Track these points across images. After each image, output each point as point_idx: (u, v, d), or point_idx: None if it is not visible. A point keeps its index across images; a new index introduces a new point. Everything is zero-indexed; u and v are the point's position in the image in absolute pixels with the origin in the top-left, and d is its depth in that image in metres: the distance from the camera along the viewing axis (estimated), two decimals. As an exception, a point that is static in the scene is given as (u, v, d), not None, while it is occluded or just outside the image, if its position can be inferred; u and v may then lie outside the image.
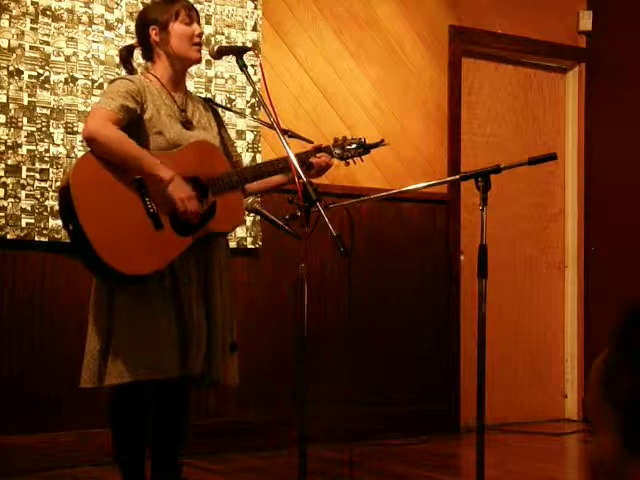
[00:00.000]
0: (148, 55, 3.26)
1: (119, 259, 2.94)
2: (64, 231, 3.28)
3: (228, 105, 4.62)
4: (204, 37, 4.58)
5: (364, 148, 3.39)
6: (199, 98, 3.42)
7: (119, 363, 2.98)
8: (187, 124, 3.19)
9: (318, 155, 3.30)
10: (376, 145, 3.41)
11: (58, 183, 4.22)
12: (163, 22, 3.18)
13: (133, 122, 3.06)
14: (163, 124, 3.11)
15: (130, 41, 4.34)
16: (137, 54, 3.38)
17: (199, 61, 3.29)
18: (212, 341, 3.11)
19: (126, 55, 3.31)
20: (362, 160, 3.42)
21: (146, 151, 3.02)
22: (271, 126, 3.08)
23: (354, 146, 3.38)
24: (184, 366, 3.04)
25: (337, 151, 3.35)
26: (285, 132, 3.26)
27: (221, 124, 3.41)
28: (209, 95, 4.56)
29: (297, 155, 3.08)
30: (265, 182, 3.36)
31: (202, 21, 4.61)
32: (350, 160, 3.40)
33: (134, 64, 3.35)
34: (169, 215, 3.04)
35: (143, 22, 3.25)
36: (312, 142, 3.37)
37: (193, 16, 3.22)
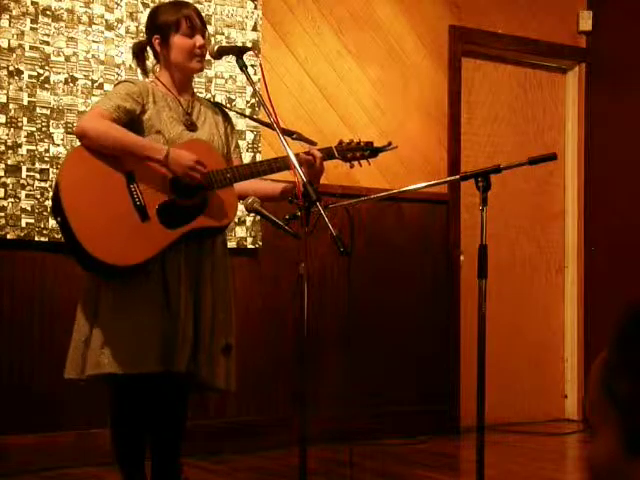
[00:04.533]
0: (155, 57, 3.31)
1: (102, 249, 2.95)
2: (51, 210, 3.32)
3: (228, 105, 4.62)
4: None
5: (371, 151, 3.31)
6: (208, 102, 3.42)
7: (97, 354, 3.01)
8: (191, 127, 3.20)
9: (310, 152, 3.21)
10: (384, 149, 3.32)
11: (58, 183, 4.23)
12: (164, 33, 3.19)
13: (132, 122, 3.08)
14: (163, 124, 3.13)
15: (130, 41, 4.35)
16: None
17: (200, 71, 3.32)
18: (199, 340, 3.10)
19: (138, 51, 3.34)
20: (369, 163, 3.34)
21: (137, 136, 3.05)
22: (272, 127, 3.07)
23: (361, 149, 3.31)
24: (168, 363, 3.03)
25: (341, 153, 3.29)
26: (291, 134, 3.26)
27: (231, 128, 3.40)
28: (209, 95, 4.56)
29: (296, 155, 3.07)
30: (264, 189, 3.34)
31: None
32: (355, 162, 3.34)
33: (146, 58, 3.36)
34: (157, 208, 3.05)
35: (149, 27, 3.28)
36: (316, 143, 3.34)
37: (196, 26, 3.20)
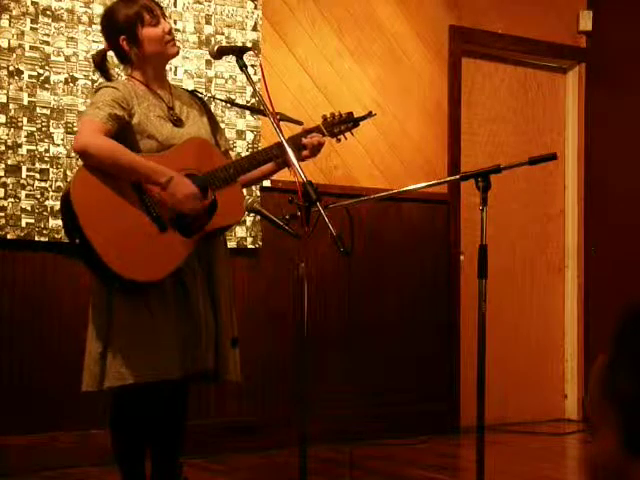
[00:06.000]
0: (123, 59, 3.21)
1: (130, 268, 2.92)
2: (64, 231, 3.27)
3: (228, 106, 4.62)
4: (204, 37, 4.61)
5: (353, 122, 3.40)
6: (183, 90, 3.39)
7: (118, 365, 2.97)
8: (177, 122, 3.17)
9: (309, 136, 3.29)
10: (364, 117, 3.42)
11: (58, 183, 4.23)
12: (130, 31, 3.12)
13: (122, 129, 3.03)
14: (153, 127, 3.08)
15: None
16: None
17: (177, 54, 3.26)
18: (219, 337, 3.11)
19: (100, 61, 3.25)
20: (352, 134, 3.42)
21: (140, 157, 3.01)
22: (263, 112, 3.09)
23: (343, 121, 3.38)
24: (191, 365, 3.03)
25: (328, 129, 3.35)
26: (275, 115, 3.25)
27: (209, 114, 3.38)
28: (209, 95, 4.56)
29: (289, 139, 3.09)
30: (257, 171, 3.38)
31: (202, 21, 4.62)
32: (341, 136, 3.40)
33: (109, 67, 3.29)
34: (173, 216, 3.03)
35: (110, 30, 3.19)
36: (302, 123, 3.38)
37: (157, 14, 3.16)
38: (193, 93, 3.40)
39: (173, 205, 3.00)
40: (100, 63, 3.25)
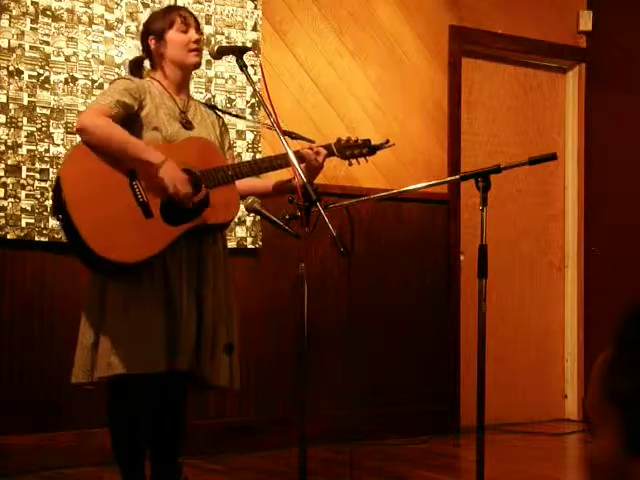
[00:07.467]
0: (152, 64, 3.30)
1: (107, 247, 2.95)
2: (52, 206, 3.30)
3: (228, 105, 4.62)
4: (204, 37, 4.61)
5: (369, 149, 3.32)
6: (203, 104, 3.43)
7: (108, 356, 2.99)
8: (187, 124, 3.20)
9: (313, 149, 3.23)
10: (381, 146, 3.34)
11: (58, 183, 4.23)
12: (159, 31, 3.22)
13: (130, 118, 3.08)
14: (160, 121, 3.12)
15: (130, 41, 4.36)
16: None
17: (198, 66, 3.30)
18: (201, 338, 3.10)
19: (135, 68, 3.33)
20: (366, 160, 3.36)
21: (136, 138, 3.04)
22: (271, 127, 3.07)
23: (359, 147, 3.32)
24: (171, 361, 3.03)
25: (340, 150, 3.31)
26: (288, 134, 3.25)
27: (225, 129, 3.41)
28: (209, 95, 4.56)
29: (295, 152, 3.08)
30: (256, 187, 3.37)
31: (202, 21, 4.62)
32: (353, 160, 3.34)
33: (143, 73, 3.36)
34: (160, 205, 3.04)
35: (143, 33, 3.31)
36: (314, 142, 3.35)
37: (190, 23, 3.23)
38: (214, 109, 3.41)
39: (165, 185, 3.00)
40: (135, 70, 3.32)
